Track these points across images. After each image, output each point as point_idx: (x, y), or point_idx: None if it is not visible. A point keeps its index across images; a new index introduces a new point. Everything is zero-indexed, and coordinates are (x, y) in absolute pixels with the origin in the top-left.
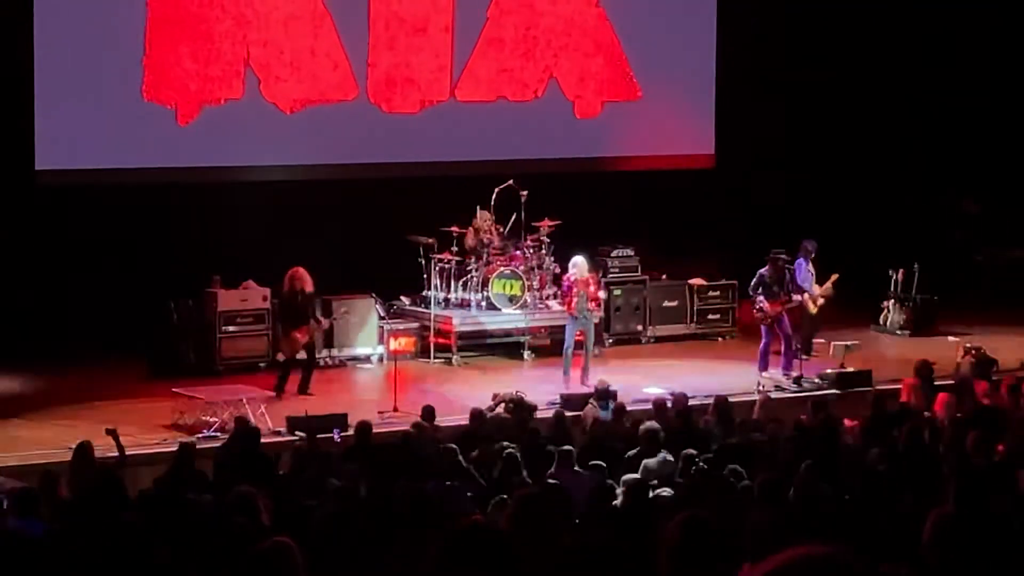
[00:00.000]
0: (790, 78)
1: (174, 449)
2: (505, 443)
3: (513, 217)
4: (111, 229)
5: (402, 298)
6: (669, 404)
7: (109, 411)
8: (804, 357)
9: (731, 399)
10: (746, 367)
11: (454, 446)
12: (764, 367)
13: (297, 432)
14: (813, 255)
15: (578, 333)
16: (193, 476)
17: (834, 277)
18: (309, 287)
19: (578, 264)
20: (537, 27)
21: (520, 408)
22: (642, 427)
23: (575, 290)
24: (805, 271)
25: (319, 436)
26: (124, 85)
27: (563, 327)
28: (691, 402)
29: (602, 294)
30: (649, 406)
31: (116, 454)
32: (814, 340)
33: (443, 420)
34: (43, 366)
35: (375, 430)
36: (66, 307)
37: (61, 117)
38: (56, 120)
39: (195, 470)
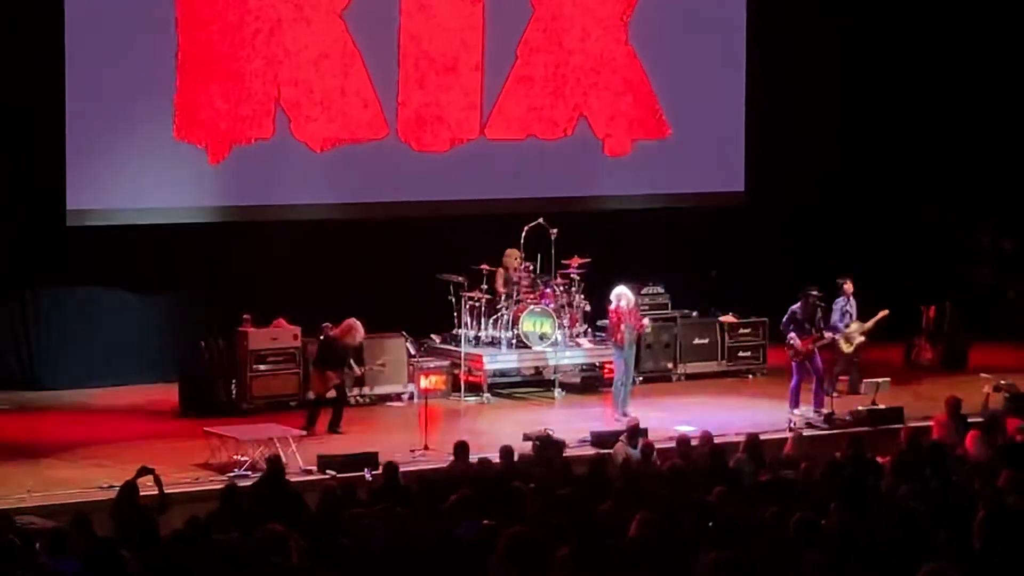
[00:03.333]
0: (820, 115)
1: (206, 488)
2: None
3: (539, 258)
4: (142, 268)
5: (433, 336)
6: (694, 442)
7: (140, 450)
8: (835, 394)
9: (762, 436)
10: (777, 404)
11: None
12: (795, 404)
13: (328, 471)
14: (852, 292)
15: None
16: (239, 517)
17: (882, 314)
18: (358, 341)
19: (625, 295)
20: (567, 65)
21: (546, 446)
22: (667, 465)
23: (623, 323)
24: (841, 310)
25: (350, 475)
26: (155, 124)
27: (594, 365)
28: (723, 440)
29: (646, 322)
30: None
31: (156, 492)
32: (840, 378)
33: (473, 458)
34: (74, 405)
35: (406, 468)
36: (97, 346)
37: (92, 156)
38: (87, 159)
39: (241, 511)
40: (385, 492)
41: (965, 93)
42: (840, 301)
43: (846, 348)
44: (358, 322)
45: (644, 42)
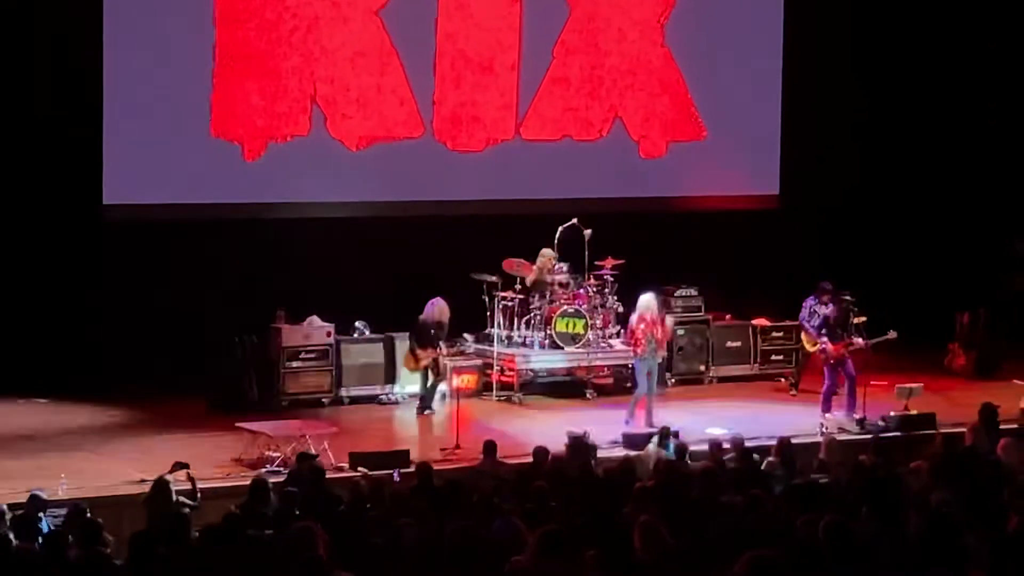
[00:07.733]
0: (855, 119)
1: (237, 484)
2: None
3: (577, 267)
4: (177, 264)
5: (465, 336)
6: (726, 445)
7: (173, 445)
8: (792, 393)
9: (794, 440)
10: (809, 408)
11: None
12: (827, 408)
13: (359, 468)
14: (827, 297)
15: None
16: (265, 512)
17: (891, 334)
18: (443, 319)
19: (642, 304)
20: (603, 67)
21: (577, 448)
22: (698, 467)
23: (642, 333)
24: (810, 309)
25: (381, 472)
26: (191, 121)
27: (625, 366)
28: (754, 443)
29: (669, 321)
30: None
31: (189, 487)
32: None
33: (505, 457)
34: (108, 400)
35: (437, 467)
36: (131, 341)
37: (129, 152)
38: (124, 155)
39: (268, 505)
40: (419, 492)
41: (998, 94)
42: (811, 300)
43: (809, 348)
44: (441, 300)
45: (680, 44)
